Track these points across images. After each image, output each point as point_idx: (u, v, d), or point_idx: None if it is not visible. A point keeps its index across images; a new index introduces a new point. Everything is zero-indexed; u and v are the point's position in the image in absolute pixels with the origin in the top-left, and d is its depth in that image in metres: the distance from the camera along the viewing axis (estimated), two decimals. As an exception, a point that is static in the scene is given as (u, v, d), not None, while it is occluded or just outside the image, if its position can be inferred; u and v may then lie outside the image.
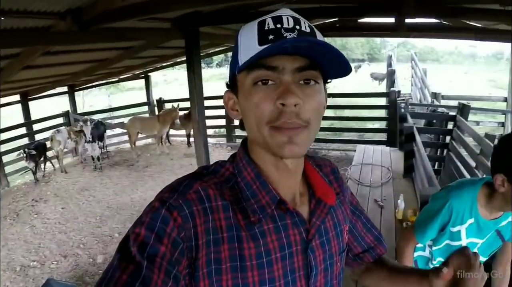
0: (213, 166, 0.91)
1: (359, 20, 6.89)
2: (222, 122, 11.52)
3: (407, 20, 5.23)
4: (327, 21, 7.62)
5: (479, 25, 7.06)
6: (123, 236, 0.76)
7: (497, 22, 6.55)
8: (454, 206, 1.81)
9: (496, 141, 1.75)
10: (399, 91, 9.77)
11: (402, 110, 7.95)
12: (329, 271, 0.95)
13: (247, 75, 0.78)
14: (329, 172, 1.06)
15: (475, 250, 1.84)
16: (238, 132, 11.73)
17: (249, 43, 0.78)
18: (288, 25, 0.77)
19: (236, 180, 0.87)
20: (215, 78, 32.97)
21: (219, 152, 10.58)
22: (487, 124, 10.88)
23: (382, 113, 10.78)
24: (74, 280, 4.82)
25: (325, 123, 12.04)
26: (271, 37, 0.75)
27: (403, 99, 8.57)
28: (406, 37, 7.48)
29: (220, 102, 11.22)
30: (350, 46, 62.00)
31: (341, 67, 0.79)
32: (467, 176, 5.35)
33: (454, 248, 1.84)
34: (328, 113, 13.55)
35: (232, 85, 0.86)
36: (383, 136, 10.32)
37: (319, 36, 0.80)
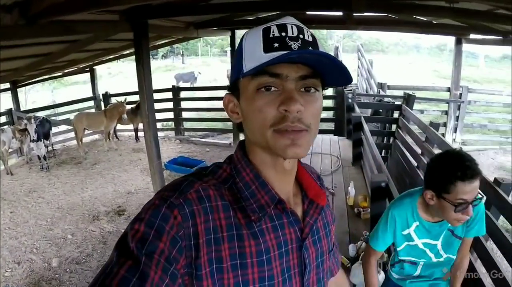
0: (211, 167, 0.93)
1: (307, 13, 6.97)
2: (170, 115, 11.45)
3: (356, 13, 5.36)
4: (275, 13, 7.66)
5: (425, 19, 7.31)
6: (122, 232, 0.76)
7: (442, 18, 6.80)
8: (396, 214, 2.08)
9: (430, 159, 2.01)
10: (345, 82, 9.96)
11: (349, 100, 8.21)
12: (320, 268, 0.99)
13: (251, 80, 0.81)
14: (315, 177, 1.08)
15: (441, 251, 2.09)
16: (186, 125, 11.75)
17: (254, 49, 0.80)
18: (293, 33, 0.80)
19: (234, 181, 0.89)
20: (160, 70, 32.57)
21: (168, 145, 10.50)
22: (431, 112, 11.39)
23: (329, 103, 10.95)
24: (31, 287, 4.68)
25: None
26: (276, 45, 0.78)
27: (350, 90, 8.79)
28: (355, 29, 7.65)
29: (168, 95, 11.14)
30: (294, 38, 62.76)
31: (342, 77, 0.83)
32: (413, 162, 5.64)
33: (413, 247, 2.12)
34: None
35: (234, 88, 0.88)
36: (330, 126, 10.54)
37: (320, 45, 0.84)
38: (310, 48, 0.81)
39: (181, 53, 44.59)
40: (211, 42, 54.73)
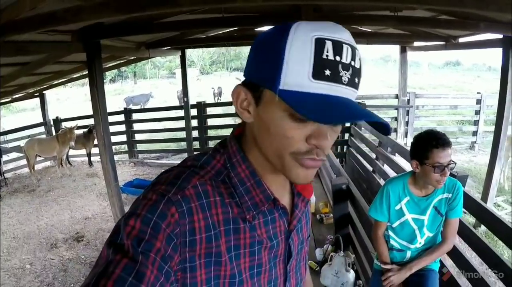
0: (205, 157, 0.89)
1: (256, 29, 7.06)
2: (123, 138, 11.31)
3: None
4: (226, 30, 7.73)
5: (370, 30, 7.54)
6: (115, 225, 0.74)
7: (387, 27, 7.04)
8: (390, 189, 2.49)
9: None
10: (298, 94, 10.15)
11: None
12: (299, 255, 1.02)
13: (282, 101, 0.71)
14: None
15: (426, 229, 2.48)
16: (139, 147, 11.63)
17: (300, 64, 0.69)
18: (346, 59, 0.71)
19: (228, 174, 0.86)
20: (110, 94, 31.65)
21: (122, 169, 10.29)
22: None
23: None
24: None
25: (226, 131, 12.20)
26: (327, 72, 0.69)
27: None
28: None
29: (120, 117, 10.99)
30: (244, 56, 62.69)
31: (384, 130, 0.77)
32: (369, 167, 5.88)
33: (404, 225, 2.50)
34: (228, 121, 13.84)
35: (252, 86, 0.80)
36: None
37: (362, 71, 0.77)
38: (356, 79, 0.74)
39: (134, 74, 44.24)
40: (159, 65, 54.46)
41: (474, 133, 12.07)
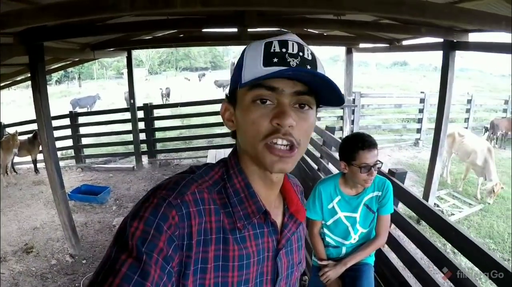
0: (204, 167, 0.96)
1: (203, 30, 7.04)
2: (69, 143, 10.96)
3: (249, 29, 5.51)
4: (172, 31, 7.66)
5: (316, 32, 7.65)
6: (119, 227, 0.79)
7: (332, 30, 7.16)
8: (322, 189, 2.63)
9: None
10: (242, 96, 10.22)
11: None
12: (289, 278, 1.04)
13: (247, 92, 0.84)
14: (298, 191, 1.13)
15: (358, 225, 2.63)
16: (86, 151, 11.28)
17: (254, 62, 0.84)
18: (293, 50, 0.83)
19: (224, 185, 0.92)
20: (55, 96, 30.79)
21: (69, 175, 9.93)
22: (327, 119, 12.34)
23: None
24: None
25: (174, 133, 12.18)
26: (275, 60, 0.82)
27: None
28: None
29: (65, 121, 10.67)
30: (193, 55, 62.54)
31: (335, 97, 0.87)
32: (314, 165, 6.11)
33: (338, 223, 2.65)
34: (176, 122, 13.68)
35: (232, 98, 0.92)
36: (232, 140, 10.60)
37: (319, 64, 0.87)
38: (309, 66, 0.84)
39: (78, 76, 43.14)
40: (106, 65, 53.41)
41: (418, 131, 12.71)
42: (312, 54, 0.87)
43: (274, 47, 0.83)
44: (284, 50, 0.83)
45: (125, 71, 30.02)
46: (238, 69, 0.88)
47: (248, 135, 0.86)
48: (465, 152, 8.58)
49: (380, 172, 3.02)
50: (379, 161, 2.42)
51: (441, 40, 5.97)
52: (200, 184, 0.87)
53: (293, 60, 0.82)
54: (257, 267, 0.92)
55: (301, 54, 0.84)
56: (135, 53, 9.14)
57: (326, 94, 0.87)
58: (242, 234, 0.89)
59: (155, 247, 0.73)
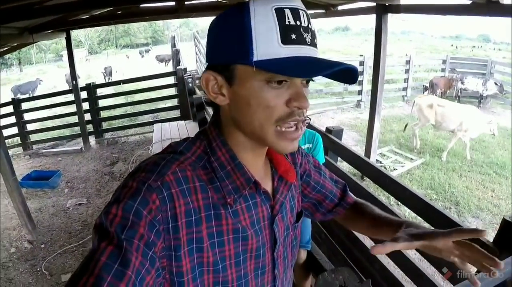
0: (185, 144, 0.90)
1: (140, 5, 7.00)
2: (14, 130, 10.65)
3: (187, 2, 5.55)
4: (110, 9, 7.58)
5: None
6: (99, 214, 0.76)
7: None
8: None
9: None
10: (185, 69, 10.27)
11: (190, 85, 8.48)
12: (286, 241, 1.03)
13: (259, 70, 0.76)
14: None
15: None
16: (32, 138, 10.96)
17: (268, 34, 0.75)
18: (305, 23, 0.78)
19: (208, 159, 0.88)
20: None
21: (18, 163, 9.58)
22: None
23: (172, 91, 11.14)
24: None
25: (119, 111, 11.97)
26: (293, 36, 0.75)
27: (190, 75, 9.01)
28: (187, 17, 7.80)
29: (8, 109, 10.35)
30: (133, 31, 60.98)
31: (350, 78, 0.84)
32: None
33: None
34: (120, 100, 13.67)
35: (224, 69, 0.82)
36: (177, 113, 10.85)
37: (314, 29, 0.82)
38: (315, 40, 0.80)
39: (19, 61, 41.43)
40: (45, 48, 51.40)
41: (359, 92, 13.06)
42: (312, 23, 0.81)
43: (288, 18, 0.75)
44: (298, 23, 0.76)
45: (64, 52, 29.02)
46: (242, 37, 0.76)
47: (259, 116, 0.80)
48: (450, 122, 8.72)
49: (310, 126, 3.16)
50: (308, 117, 2.55)
51: (373, 4, 6.12)
52: (182, 162, 0.84)
53: (308, 36, 0.78)
54: (257, 239, 0.92)
55: (310, 26, 0.79)
56: (74, 33, 8.94)
57: (342, 75, 0.83)
58: (234, 208, 0.87)
59: (135, 233, 0.71)
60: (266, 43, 0.74)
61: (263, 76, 0.76)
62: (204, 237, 0.82)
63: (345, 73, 0.81)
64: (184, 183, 0.81)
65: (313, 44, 0.79)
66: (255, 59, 0.75)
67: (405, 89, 14.25)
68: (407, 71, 14.20)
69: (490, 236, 1.88)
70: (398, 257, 2.74)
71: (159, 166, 0.81)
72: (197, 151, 0.89)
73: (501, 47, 42.36)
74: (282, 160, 1.03)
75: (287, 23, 0.75)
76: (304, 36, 0.76)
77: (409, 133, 9.44)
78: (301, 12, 0.78)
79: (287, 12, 0.75)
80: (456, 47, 38.42)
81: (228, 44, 0.79)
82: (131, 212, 0.73)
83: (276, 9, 0.75)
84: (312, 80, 0.86)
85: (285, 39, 0.74)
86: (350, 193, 1.29)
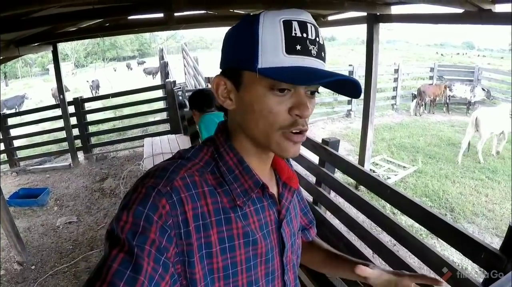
0: (192, 150, 0.92)
1: (129, 17, 6.95)
2: (1, 147, 10.31)
3: (176, 13, 5.51)
4: (97, 21, 7.51)
5: (242, 12, 7.73)
6: (111, 222, 0.76)
7: (259, 9, 7.24)
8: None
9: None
10: (174, 81, 10.25)
11: (180, 97, 8.32)
12: (294, 247, 1.05)
13: (263, 77, 0.78)
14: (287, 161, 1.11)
15: None
16: (20, 154, 10.75)
17: (274, 44, 0.78)
18: (312, 35, 0.80)
19: (216, 164, 0.90)
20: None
21: (5, 181, 9.34)
22: None
23: (161, 105, 11.06)
24: None
25: (107, 125, 11.91)
26: (298, 47, 0.78)
27: (179, 88, 8.97)
28: (177, 29, 7.78)
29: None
30: (120, 44, 60.99)
31: (354, 92, 0.84)
32: None
33: None
34: (109, 114, 13.47)
35: (233, 75, 0.86)
36: (166, 127, 10.74)
37: (325, 46, 0.86)
38: (322, 54, 0.83)
39: (4, 75, 41.24)
40: (30, 62, 51.16)
41: (349, 102, 13.03)
42: (322, 37, 0.84)
43: (295, 30, 0.78)
44: (304, 35, 0.79)
45: (50, 66, 28.85)
46: (250, 44, 0.81)
47: (262, 122, 0.83)
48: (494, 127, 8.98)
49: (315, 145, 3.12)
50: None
51: (364, 13, 6.14)
52: (190, 168, 0.85)
53: (313, 48, 0.80)
54: (265, 242, 0.92)
55: (317, 39, 0.82)
56: (60, 46, 8.82)
57: (345, 88, 0.85)
58: (243, 211, 0.88)
59: (146, 239, 0.71)
60: (271, 52, 0.78)
61: (266, 83, 0.79)
62: (213, 242, 0.82)
63: (348, 86, 0.83)
64: (193, 188, 0.82)
65: (319, 56, 0.82)
66: (259, 66, 0.78)
67: (394, 97, 14.28)
68: (395, 79, 14.26)
69: (487, 241, 1.85)
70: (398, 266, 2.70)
71: (168, 171, 0.82)
72: (205, 157, 0.90)
73: (485, 53, 43.11)
74: (285, 167, 1.04)
75: (293, 34, 0.78)
76: (310, 48, 0.79)
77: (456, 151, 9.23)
78: (309, 25, 0.80)
79: (295, 24, 0.79)
80: (442, 54, 39.03)
81: (238, 51, 0.83)
82: (142, 217, 0.73)
83: (284, 21, 0.78)
84: (318, 92, 0.87)
85: (290, 49, 0.78)
86: (315, 228, 1.35)
